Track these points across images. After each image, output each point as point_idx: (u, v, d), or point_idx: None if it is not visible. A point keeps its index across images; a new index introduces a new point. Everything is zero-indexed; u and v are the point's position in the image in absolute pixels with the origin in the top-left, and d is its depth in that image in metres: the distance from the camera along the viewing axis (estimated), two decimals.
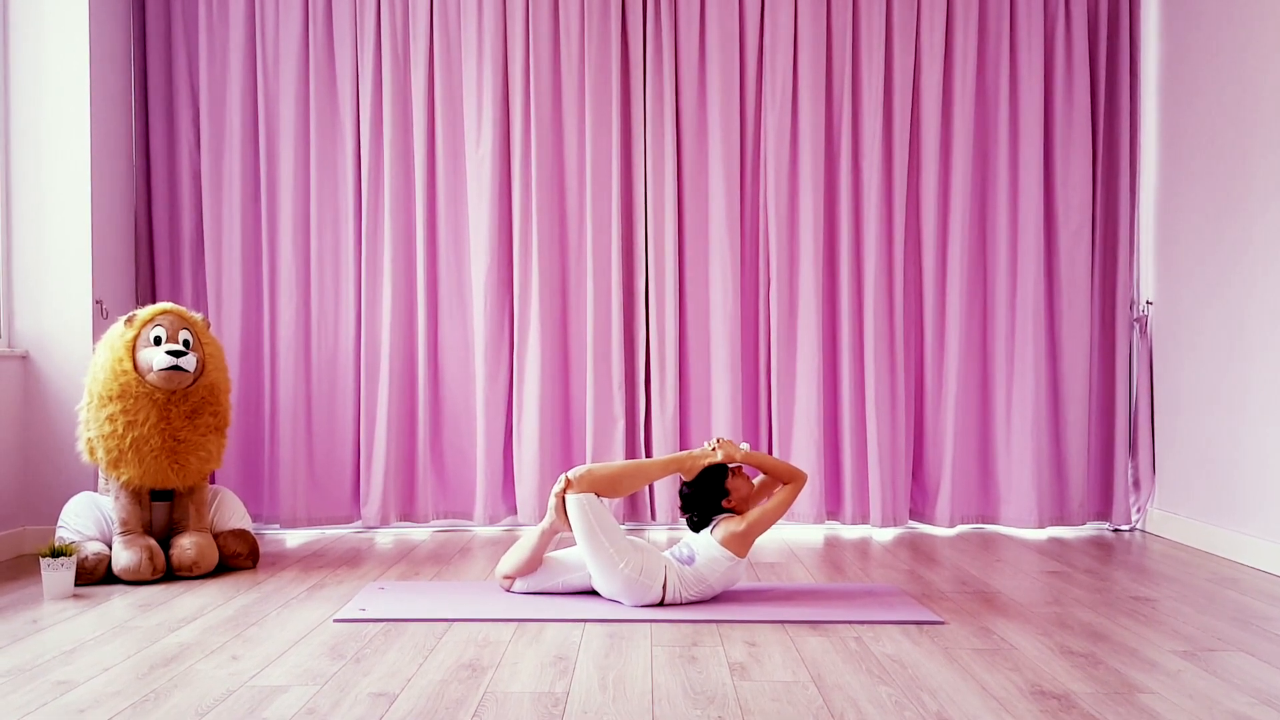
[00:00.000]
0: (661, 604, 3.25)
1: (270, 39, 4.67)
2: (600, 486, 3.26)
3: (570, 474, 3.28)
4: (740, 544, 3.24)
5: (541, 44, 4.67)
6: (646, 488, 4.68)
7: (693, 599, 3.27)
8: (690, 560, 3.27)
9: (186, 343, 3.77)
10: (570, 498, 3.24)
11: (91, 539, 3.73)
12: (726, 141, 4.67)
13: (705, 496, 3.33)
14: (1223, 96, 4.23)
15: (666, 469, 3.41)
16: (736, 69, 4.68)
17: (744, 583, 3.60)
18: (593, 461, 4.60)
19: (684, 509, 3.38)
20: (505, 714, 2.32)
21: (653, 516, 4.71)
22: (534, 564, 3.38)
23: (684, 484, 3.40)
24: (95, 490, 4.06)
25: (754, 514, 3.26)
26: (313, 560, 4.06)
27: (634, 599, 3.23)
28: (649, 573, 3.21)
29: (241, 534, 3.93)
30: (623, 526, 4.69)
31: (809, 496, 4.65)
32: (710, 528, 3.31)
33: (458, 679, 2.57)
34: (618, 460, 3.22)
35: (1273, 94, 3.92)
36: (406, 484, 4.70)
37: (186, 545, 3.72)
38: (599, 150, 4.66)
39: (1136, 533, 4.73)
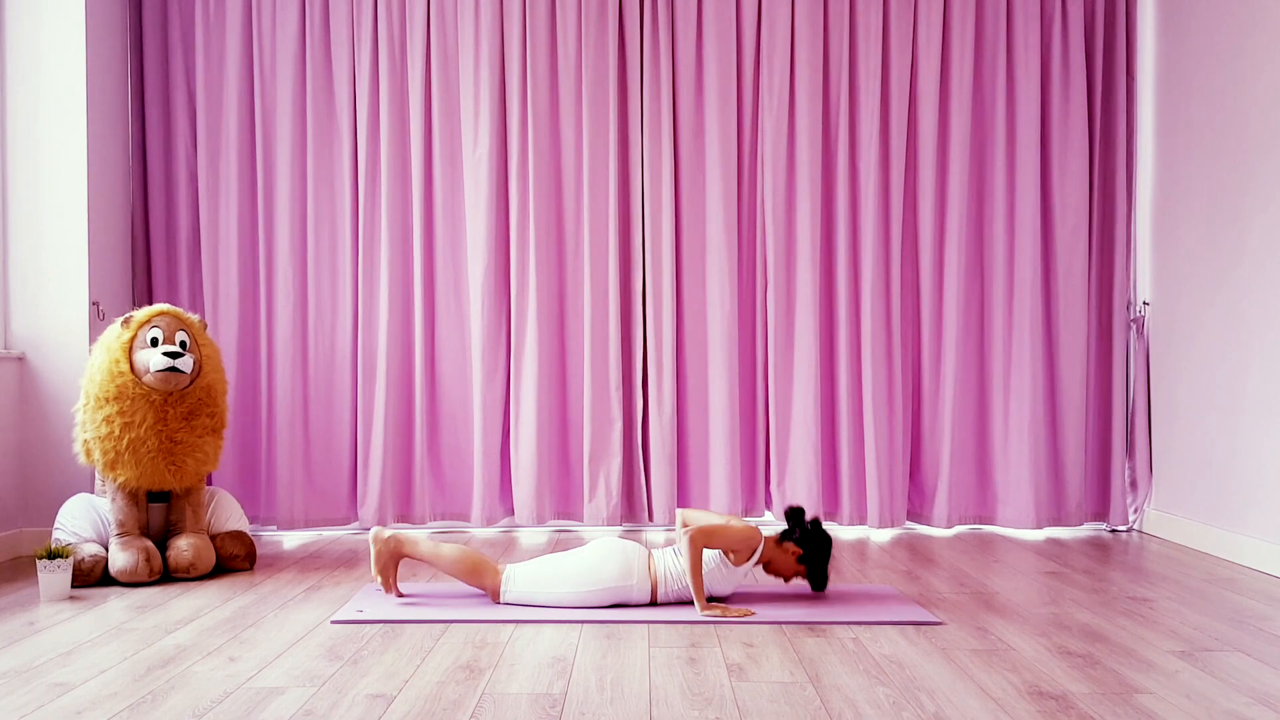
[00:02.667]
0: (654, 603, 3.25)
1: (267, 41, 4.66)
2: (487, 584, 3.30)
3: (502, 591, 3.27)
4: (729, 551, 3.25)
5: (538, 46, 4.67)
6: (645, 491, 4.68)
7: (680, 594, 3.26)
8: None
9: (183, 344, 3.77)
10: (505, 595, 3.26)
11: (88, 541, 3.72)
12: (723, 143, 4.67)
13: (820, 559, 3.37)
14: (1219, 97, 4.24)
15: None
16: (733, 70, 4.68)
17: (741, 585, 3.60)
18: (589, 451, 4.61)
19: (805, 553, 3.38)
20: (503, 715, 2.32)
21: (650, 518, 4.71)
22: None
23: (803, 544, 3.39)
24: (92, 492, 4.06)
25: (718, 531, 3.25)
26: (310, 562, 4.06)
27: (624, 601, 3.24)
28: (624, 573, 3.22)
29: (238, 535, 3.92)
30: (619, 528, 4.72)
31: (807, 497, 4.65)
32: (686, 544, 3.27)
33: (455, 680, 2.57)
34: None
35: (1269, 95, 3.93)
36: (404, 485, 4.69)
37: (183, 547, 3.72)
38: (596, 152, 4.66)
39: (1134, 533, 4.73)
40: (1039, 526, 4.66)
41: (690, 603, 3.26)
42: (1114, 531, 4.77)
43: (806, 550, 3.35)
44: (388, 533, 3.35)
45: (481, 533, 4.70)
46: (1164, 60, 4.67)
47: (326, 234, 4.70)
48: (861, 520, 4.72)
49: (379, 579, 3.33)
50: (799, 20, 4.69)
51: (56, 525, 3.81)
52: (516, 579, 3.27)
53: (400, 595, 3.35)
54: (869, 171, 4.69)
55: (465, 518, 4.72)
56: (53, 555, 3.41)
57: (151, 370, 3.66)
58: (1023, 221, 4.71)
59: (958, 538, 4.62)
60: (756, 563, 3.30)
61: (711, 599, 3.31)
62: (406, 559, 3.41)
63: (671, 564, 3.28)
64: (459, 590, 3.52)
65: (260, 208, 4.68)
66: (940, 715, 2.32)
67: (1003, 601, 3.38)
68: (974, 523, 4.80)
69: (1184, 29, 4.51)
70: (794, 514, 3.41)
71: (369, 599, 3.37)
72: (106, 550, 3.69)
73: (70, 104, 4.28)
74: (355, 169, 4.71)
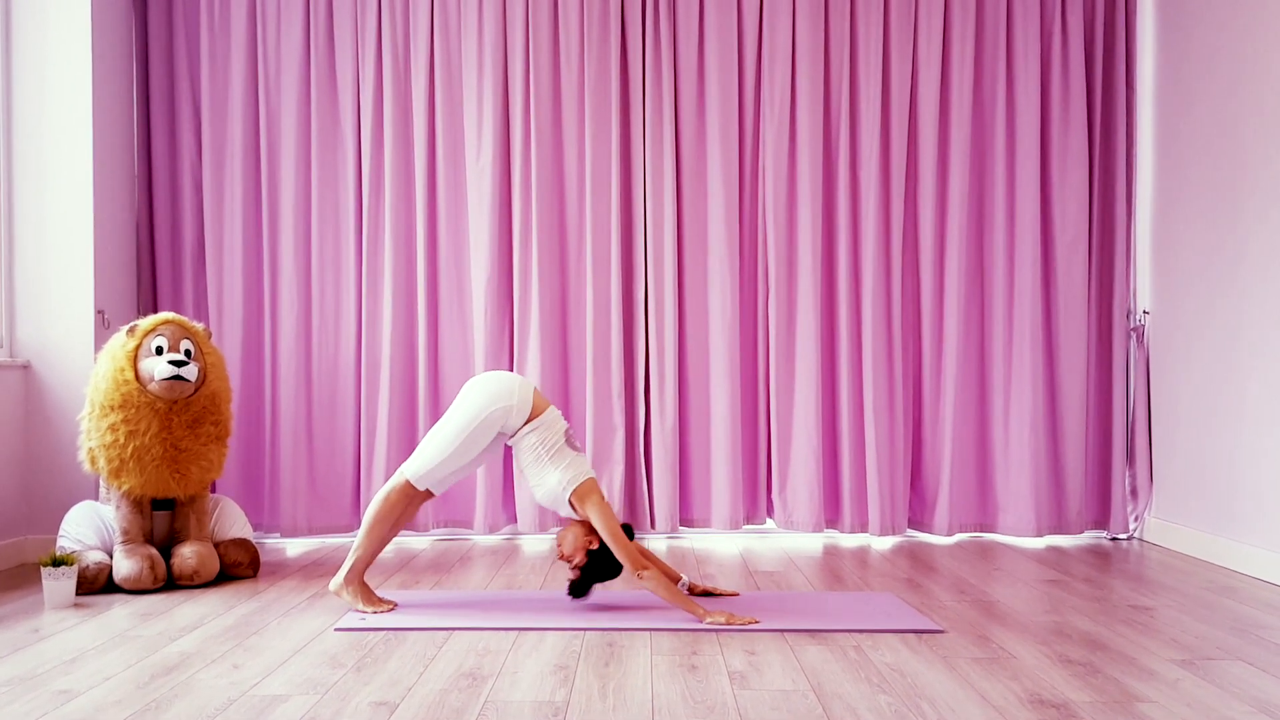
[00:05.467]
0: (513, 435, 3.31)
1: (271, 49, 4.69)
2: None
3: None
4: (592, 505, 3.25)
5: (541, 55, 4.69)
6: (646, 499, 4.68)
7: (521, 454, 3.32)
8: (550, 455, 3.29)
9: (188, 352, 3.78)
10: (420, 482, 3.31)
11: (93, 548, 3.73)
12: (725, 152, 4.69)
13: (595, 575, 3.34)
14: (1219, 106, 4.25)
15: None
16: (735, 80, 4.71)
17: (743, 591, 3.61)
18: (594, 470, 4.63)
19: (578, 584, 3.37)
20: None
21: (652, 525, 4.72)
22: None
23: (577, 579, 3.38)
24: (96, 499, 4.07)
25: (606, 520, 3.23)
26: (313, 569, 4.07)
27: (505, 426, 3.30)
28: (502, 394, 3.28)
29: (242, 543, 3.94)
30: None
31: (808, 505, 4.66)
32: (570, 495, 3.27)
33: (458, 688, 2.58)
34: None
35: (1268, 106, 3.94)
36: None
37: (187, 554, 3.73)
38: (599, 161, 4.68)
39: (1134, 541, 4.74)
40: (1040, 534, 4.67)
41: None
42: (1114, 540, 4.78)
43: (591, 563, 3.31)
44: (340, 579, 3.37)
45: (484, 540, 4.71)
46: (1163, 70, 4.69)
47: (330, 242, 4.72)
48: (863, 528, 4.72)
49: (371, 610, 3.32)
50: (800, 31, 4.71)
51: (61, 533, 3.83)
52: (415, 462, 3.32)
53: (394, 605, 3.37)
54: (869, 181, 4.70)
55: (468, 525, 4.73)
56: (57, 563, 3.42)
57: (156, 378, 3.67)
58: (1023, 230, 4.72)
59: (959, 545, 4.63)
60: (568, 524, 3.36)
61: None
62: (367, 572, 3.49)
63: (534, 459, 3.30)
64: (461, 598, 3.53)
65: (265, 216, 4.70)
66: None
67: (1004, 609, 3.39)
68: (975, 530, 4.81)
69: (1183, 39, 4.53)
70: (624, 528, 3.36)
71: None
72: (111, 558, 3.71)
73: (76, 112, 4.30)
74: (359, 178, 4.73)
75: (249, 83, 4.71)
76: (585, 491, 3.26)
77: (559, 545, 3.38)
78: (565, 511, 3.33)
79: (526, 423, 3.31)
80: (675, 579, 3.40)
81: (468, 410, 3.30)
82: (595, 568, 3.33)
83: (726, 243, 4.68)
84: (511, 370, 4.71)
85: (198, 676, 2.67)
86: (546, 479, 3.28)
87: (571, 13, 4.69)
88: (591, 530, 3.32)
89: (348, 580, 3.35)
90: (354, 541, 3.40)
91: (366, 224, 4.69)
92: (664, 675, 2.68)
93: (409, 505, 3.39)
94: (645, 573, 3.18)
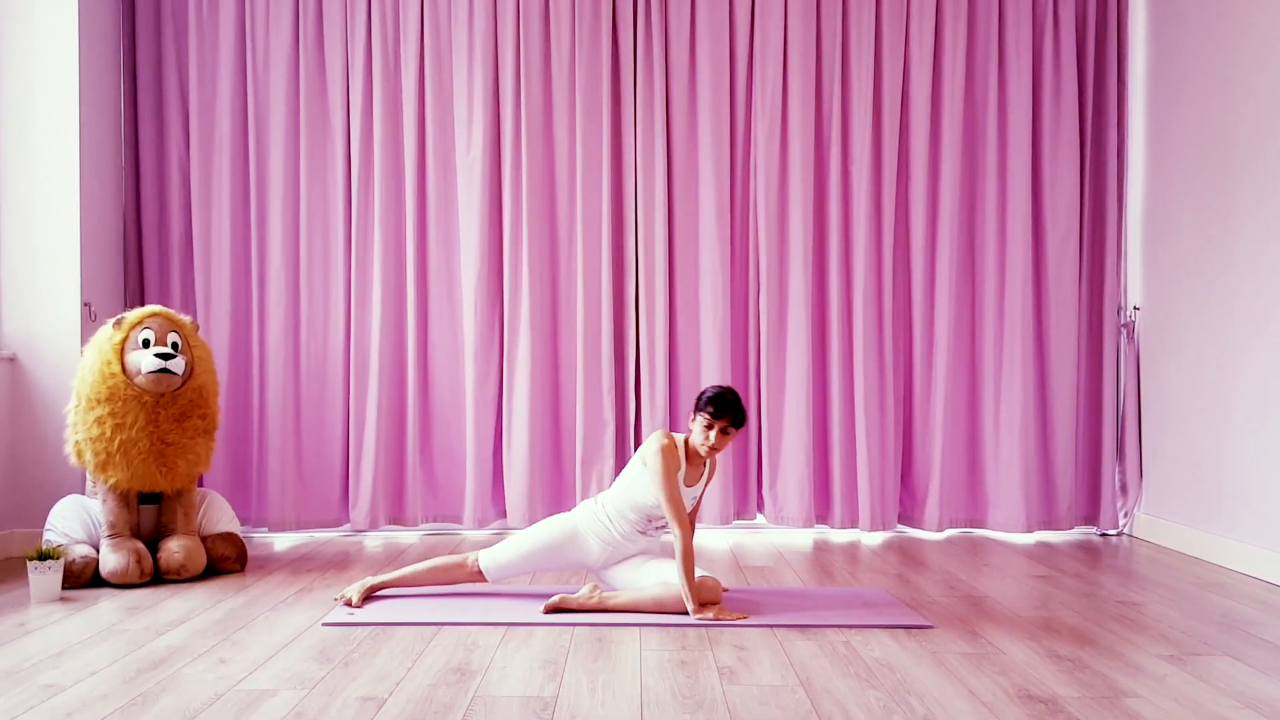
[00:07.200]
0: (612, 528, 3.34)
1: (260, 43, 4.66)
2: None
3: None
4: (649, 460, 3.25)
5: (532, 50, 4.67)
6: None
7: (625, 515, 3.32)
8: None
9: (175, 345, 3.76)
10: (490, 572, 3.43)
11: (79, 542, 3.72)
12: (716, 148, 4.68)
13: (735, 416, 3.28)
14: (1210, 102, 4.26)
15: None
16: (726, 76, 4.70)
17: (734, 586, 3.61)
18: (583, 459, 4.63)
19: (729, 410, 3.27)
20: (494, 718, 2.33)
21: None
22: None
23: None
24: (83, 493, 4.05)
25: (660, 478, 3.22)
26: (301, 564, 4.06)
27: (579, 529, 3.37)
28: (574, 511, 3.43)
29: (229, 537, 3.92)
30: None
31: (798, 500, 4.66)
32: (645, 460, 3.29)
33: (446, 683, 2.57)
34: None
35: (1260, 99, 3.95)
36: (395, 487, 4.69)
37: (174, 548, 3.71)
38: (589, 156, 4.67)
39: (1123, 537, 4.75)
40: (1029, 530, 4.67)
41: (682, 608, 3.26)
42: (1104, 535, 4.79)
43: (710, 404, 3.25)
44: (369, 580, 3.44)
45: (473, 534, 4.70)
46: (1154, 67, 4.70)
47: (319, 235, 4.70)
48: (853, 523, 4.73)
49: (339, 600, 3.37)
50: (792, 25, 4.70)
51: (47, 526, 3.81)
52: (494, 552, 3.40)
53: (359, 606, 3.34)
54: (861, 177, 4.70)
55: (457, 520, 4.72)
56: (43, 556, 3.40)
57: (143, 372, 3.65)
58: (1013, 226, 4.73)
59: (949, 541, 4.63)
60: (683, 469, 3.31)
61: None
62: (360, 569, 3.57)
63: (613, 496, 3.37)
64: (450, 592, 3.52)
65: (253, 209, 4.67)
66: (930, 718, 2.33)
67: (993, 605, 3.40)
68: (965, 526, 4.82)
69: (1175, 34, 4.53)
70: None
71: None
72: (97, 551, 3.69)
73: (63, 105, 4.27)
74: (348, 171, 4.71)
75: (238, 75, 4.69)
76: (651, 454, 3.25)
77: (711, 456, 3.31)
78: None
79: (597, 523, 3.36)
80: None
81: (551, 524, 3.42)
82: (729, 417, 3.24)
83: (717, 238, 4.68)
84: (503, 364, 4.70)
85: (184, 671, 2.66)
86: (635, 480, 3.31)
87: (563, 7, 4.67)
88: (687, 437, 3.33)
89: (368, 585, 3.39)
90: (404, 569, 3.48)
91: (355, 218, 4.67)
92: (653, 670, 2.67)
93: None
94: (682, 532, 3.18)
